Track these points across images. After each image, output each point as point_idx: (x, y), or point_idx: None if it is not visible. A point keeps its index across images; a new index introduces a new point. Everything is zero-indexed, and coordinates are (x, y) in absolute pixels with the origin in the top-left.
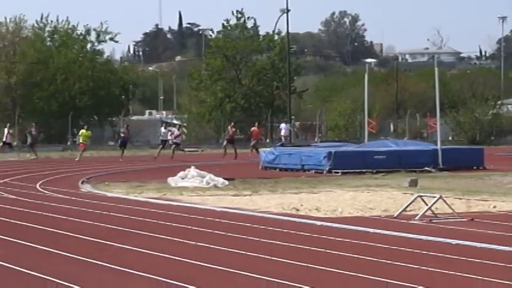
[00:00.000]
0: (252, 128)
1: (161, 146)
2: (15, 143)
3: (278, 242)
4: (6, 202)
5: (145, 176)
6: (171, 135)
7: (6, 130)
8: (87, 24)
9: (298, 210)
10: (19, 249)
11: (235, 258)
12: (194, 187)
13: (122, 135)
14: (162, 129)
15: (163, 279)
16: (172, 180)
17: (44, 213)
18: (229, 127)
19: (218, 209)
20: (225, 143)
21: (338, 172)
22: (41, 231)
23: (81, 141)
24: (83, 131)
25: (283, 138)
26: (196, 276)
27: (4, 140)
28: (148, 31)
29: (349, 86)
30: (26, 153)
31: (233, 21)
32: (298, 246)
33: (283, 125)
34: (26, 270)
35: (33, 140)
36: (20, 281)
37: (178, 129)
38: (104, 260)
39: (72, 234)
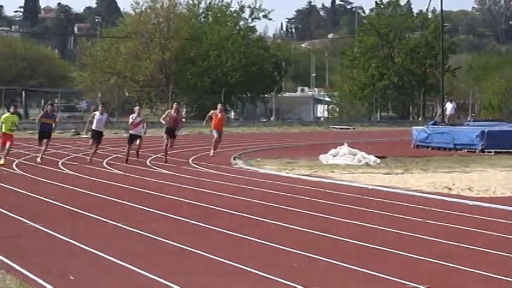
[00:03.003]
0: (211, 112)
1: None
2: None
3: (432, 222)
4: (160, 177)
5: (296, 153)
6: None
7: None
8: (241, 1)
9: (450, 189)
10: (176, 225)
11: (390, 237)
12: (345, 165)
13: None
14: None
15: (314, 256)
16: (323, 158)
17: (200, 189)
18: None
19: (370, 187)
20: None
21: (491, 152)
22: (196, 207)
23: (3, 130)
24: (5, 115)
25: (447, 117)
26: (349, 254)
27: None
28: (301, 8)
29: (503, 65)
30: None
31: None
32: (452, 225)
33: (448, 104)
34: (180, 245)
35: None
36: (175, 258)
37: None
38: (255, 236)
39: (225, 210)
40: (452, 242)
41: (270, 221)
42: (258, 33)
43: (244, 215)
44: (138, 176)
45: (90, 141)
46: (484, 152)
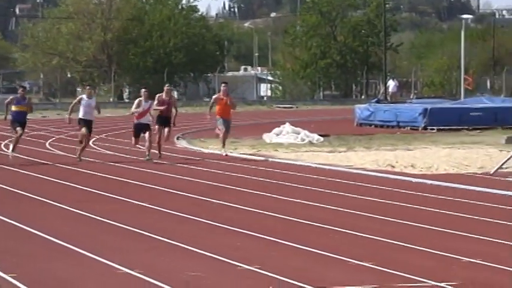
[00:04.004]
0: (215, 96)
1: None
2: (111, 99)
3: (373, 199)
4: (104, 158)
5: (240, 132)
6: None
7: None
8: None
9: (393, 166)
10: (120, 204)
11: (329, 214)
12: (289, 143)
13: None
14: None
15: (257, 235)
16: (267, 137)
17: (141, 169)
18: None
19: (313, 165)
20: None
21: (433, 129)
22: (139, 188)
23: None
24: None
25: (390, 95)
26: (290, 231)
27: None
28: None
29: (445, 42)
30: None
31: None
32: (394, 203)
33: (390, 82)
34: (123, 225)
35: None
36: (118, 236)
37: None
38: (201, 216)
39: (169, 190)
40: (395, 219)
41: (215, 201)
42: (200, 13)
43: (188, 194)
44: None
45: (83, 130)
46: (426, 129)
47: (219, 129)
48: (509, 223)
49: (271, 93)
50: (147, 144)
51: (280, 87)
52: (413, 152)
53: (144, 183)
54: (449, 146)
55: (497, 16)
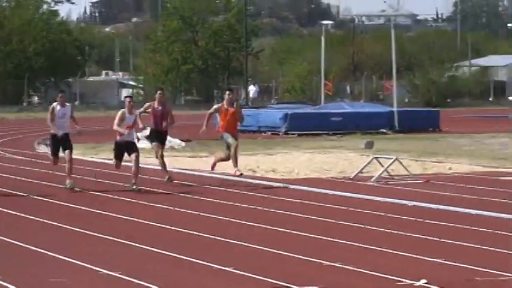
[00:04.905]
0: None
1: None
2: None
3: (236, 204)
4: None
5: (101, 137)
6: None
7: None
8: None
9: (254, 171)
10: None
11: (188, 218)
12: (150, 148)
13: None
14: None
15: (119, 240)
16: None
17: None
18: None
19: (175, 170)
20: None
21: (294, 134)
22: None
23: None
24: None
25: (251, 100)
26: (152, 237)
27: None
28: None
29: (305, 48)
30: None
31: None
32: (251, 207)
33: (251, 87)
34: None
35: None
36: None
37: None
38: (61, 222)
39: (24, 194)
40: (257, 224)
41: (80, 207)
42: (61, 17)
43: (46, 199)
44: None
45: (52, 157)
46: (287, 134)
47: (229, 144)
48: (369, 227)
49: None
50: (133, 168)
51: (142, 92)
52: (274, 156)
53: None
54: (310, 150)
55: (356, 22)
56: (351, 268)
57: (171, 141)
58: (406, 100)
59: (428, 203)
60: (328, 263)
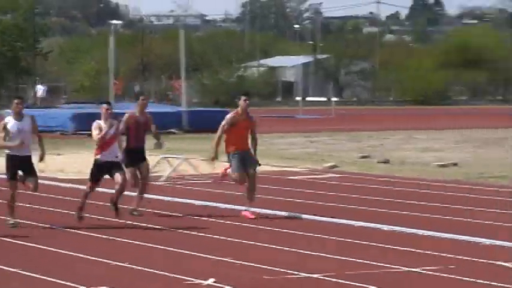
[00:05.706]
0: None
1: None
2: None
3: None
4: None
5: None
6: None
7: None
8: None
9: (43, 171)
10: None
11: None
12: None
13: None
14: None
15: None
16: None
17: None
18: None
19: None
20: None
21: (83, 134)
22: None
23: None
24: None
25: (39, 100)
26: None
27: None
28: None
29: (94, 47)
30: None
31: None
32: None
33: (39, 87)
34: None
35: None
36: None
37: None
38: None
39: None
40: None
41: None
42: None
43: None
44: None
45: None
46: (76, 134)
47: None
48: (158, 227)
49: None
50: (116, 189)
51: None
52: (62, 157)
53: None
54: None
55: (146, 22)
56: (140, 268)
57: None
58: (196, 100)
59: (216, 202)
60: (116, 263)
